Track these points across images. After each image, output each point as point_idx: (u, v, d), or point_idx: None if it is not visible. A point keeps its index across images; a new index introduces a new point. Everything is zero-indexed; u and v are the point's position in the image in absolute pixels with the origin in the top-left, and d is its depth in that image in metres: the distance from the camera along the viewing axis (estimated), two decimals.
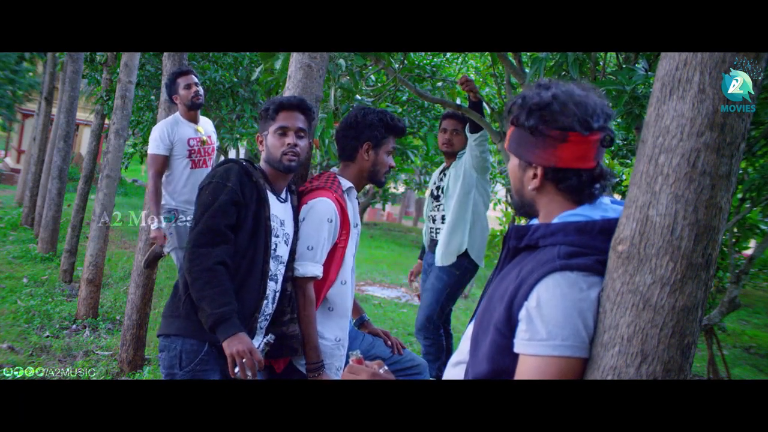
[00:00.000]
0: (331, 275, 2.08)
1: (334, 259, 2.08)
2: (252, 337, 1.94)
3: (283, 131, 1.96)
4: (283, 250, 2.02)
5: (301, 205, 2.09)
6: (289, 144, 1.95)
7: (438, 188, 3.60)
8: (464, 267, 3.42)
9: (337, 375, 2.08)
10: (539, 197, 1.14)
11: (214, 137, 3.82)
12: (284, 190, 2.07)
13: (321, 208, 2.03)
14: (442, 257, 3.40)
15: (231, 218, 1.83)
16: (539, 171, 1.11)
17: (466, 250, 3.38)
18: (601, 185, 1.11)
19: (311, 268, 2.02)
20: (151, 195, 3.51)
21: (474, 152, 3.33)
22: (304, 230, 2.05)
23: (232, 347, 1.73)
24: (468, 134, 3.34)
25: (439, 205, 3.59)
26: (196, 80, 3.59)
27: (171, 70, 3.68)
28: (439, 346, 3.51)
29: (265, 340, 1.93)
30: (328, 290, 2.08)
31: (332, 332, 2.09)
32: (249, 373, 1.73)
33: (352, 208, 2.15)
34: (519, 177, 1.16)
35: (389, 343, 2.34)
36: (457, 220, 3.38)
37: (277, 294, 2.04)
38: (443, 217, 3.54)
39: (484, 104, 3.69)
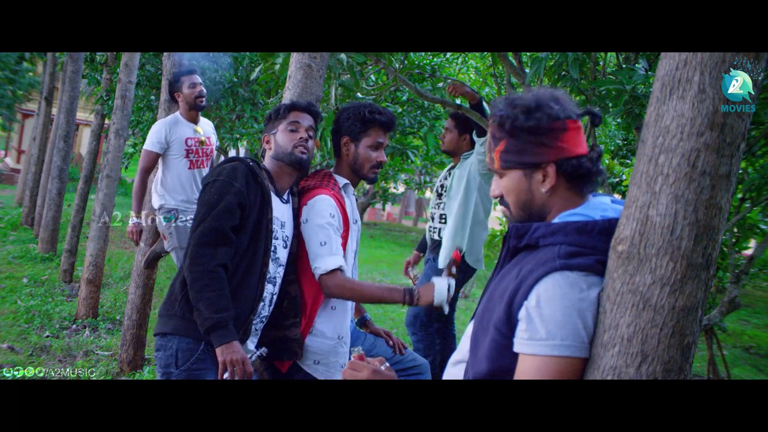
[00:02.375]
0: None
1: None
2: (246, 339, 1.94)
3: (295, 127, 2.01)
4: (282, 253, 2.02)
5: (301, 206, 2.09)
6: (301, 138, 2.00)
7: (442, 186, 3.63)
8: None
9: (339, 373, 2.09)
10: (552, 198, 1.13)
11: (214, 138, 3.82)
12: (287, 192, 2.08)
13: (322, 205, 2.03)
14: (444, 259, 3.42)
15: (235, 220, 1.82)
16: (551, 168, 1.10)
17: (464, 253, 3.41)
18: (598, 169, 1.13)
19: (331, 260, 1.98)
20: (136, 190, 3.57)
21: (480, 156, 3.34)
22: (310, 230, 2.02)
23: (226, 355, 1.75)
24: (475, 138, 3.36)
25: (440, 203, 3.62)
26: (200, 80, 3.60)
27: (175, 69, 3.68)
28: (429, 343, 3.53)
29: (258, 353, 1.93)
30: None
31: (334, 330, 2.09)
32: (241, 374, 1.76)
33: (350, 204, 2.16)
34: (526, 188, 1.13)
35: (391, 343, 2.34)
36: (458, 222, 3.40)
37: (275, 297, 2.03)
38: (441, 216, 3.58)
39: (485, 104, 3.69)
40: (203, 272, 1.77)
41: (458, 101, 3.56)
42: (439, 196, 3.65)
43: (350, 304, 2.17)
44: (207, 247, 1.79)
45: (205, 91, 3.61)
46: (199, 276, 1.77)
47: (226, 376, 1.77)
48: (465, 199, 3.40)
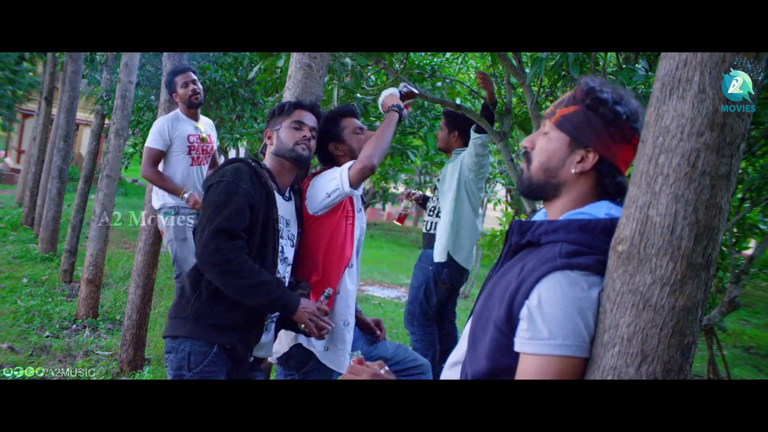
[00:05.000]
0: (347, 252, 2.09)
1: (347, 236, 2.10)
2: (259, 338, 1.95)
3: (298, 125, 2.03)
4: (289, 252, 2.03)
5: (303, 199, 2.11)
6: (304, 136, 2.03)
7: (438, 180, 3.71)
8: (438, 262, 3.47)
9: (348, 359, 2.10)
10: (574, 183, 1.13)
11: (214, 137, 3.83)
12: (288, 189, 2.08)
13: (323, 175, 2.11)
14: (437, 253, 3.50)
15: (246, 221, 1.79)
16: (592, 157, 1.10)
17: (449, 252, 3.45)
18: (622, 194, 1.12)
19: (342, 168, 2.06)
20: (157, 179, 3.50)
21: (470, 151, 3.37)
22: (319, 186, 2.08)
23: (303, 317, 1.83)
24: (472, 133, 3.38)
25: (434, 196, 3.71)
26: (194, 78, 3.59)
27: (170, 69, 3.70)
28: (427, 342, 3.57)
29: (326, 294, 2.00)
30: (343, 272, 2.10)
31: (340, 315, 2.11)
32: (326, 327, 1.89)
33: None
34: (560, 156, 1.13)
35: (378, 333, 2.35)
36: (451, 216, 3.47)
37: None
38: (433, 209, 3.65)
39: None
40: (234, 270, 1.73)
41: (458, 101, 3.57)
42: (434, 189, 3.75)
43: (353, 290, 2.17)
44: (224, 243, 1.74)
45: (200, 87, 3.61)
46: (233, 275, 1.73)
47: (314, 339, 1.92)
48: (457, 193, 3.45)
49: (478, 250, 7.49)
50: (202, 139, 3.66)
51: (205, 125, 3.77)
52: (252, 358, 1.99)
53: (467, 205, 3.47)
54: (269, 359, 2.19)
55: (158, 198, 3.62)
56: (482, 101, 3.38)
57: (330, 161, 2.24)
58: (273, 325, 2.03)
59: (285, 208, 2.01)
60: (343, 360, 2.08)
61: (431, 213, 3.66)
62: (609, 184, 1.11)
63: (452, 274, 3.52)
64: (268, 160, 2.06)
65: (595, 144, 1.10)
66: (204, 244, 1.74)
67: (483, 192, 3.64)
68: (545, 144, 1.15)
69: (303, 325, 1.85)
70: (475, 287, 7.90)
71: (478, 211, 3.61)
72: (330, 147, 2.21)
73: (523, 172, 1.19)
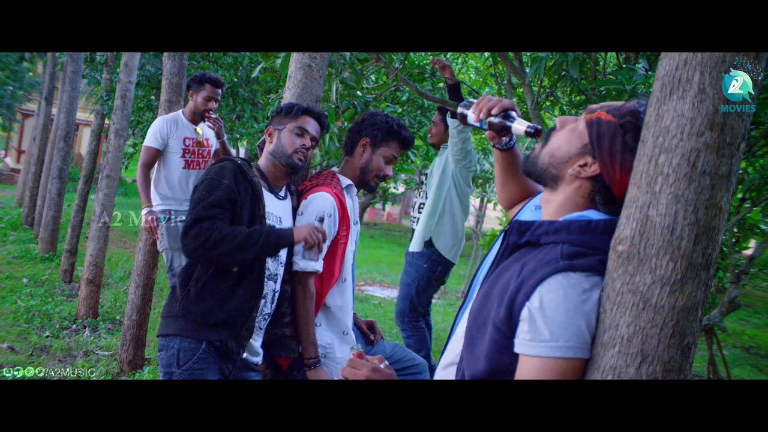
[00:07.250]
0: (335, 272, 2.08)
1: (336, 256, 2.08)
2: (249, 336, 1.95)
3: (301, 132, 2.03)
4: (282, 250, 2.02)
5: (300, 201, 2.10)
6: (303, 145, 2.03)
7: (425, 175, 3.73)
8: (431, 259, 3.48)
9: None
10: (570, 183, 1.11)
11: (213, 140, 3.81)
12: (283, 189, 2.08)
13: (320, 202, 2.04)
14: (413, 243, 3.53)
15: (225, 213, 1.83)
16: (593, 169, 1.08)
17: (431, 239, 3.45)
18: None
19: (311, 263, 2.02)
20: (140, 183, 3.54)
21: (454, 138, 3.36)
22: (302, 224, 2.04)
23: (302, 233, 1.85)
24: (449, 120, 3.38)
25: (421, 192, 3.74)
26: (219, 97, 3.62)
27: (201, 73, 3.68)
28: (419, 338, 3.58)
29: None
30: (331, 288, 2.09)
31: (337, 327, 2.10)
32: (321, 241, 1.89)
33: (352, 204, 2.16)
34: (570, 152, 1.11)
35: (372, 336, 2.35)
36: (430, 209, 3.47)
37: (276, 294, 2.04)
38: (420, 205, 3.66)
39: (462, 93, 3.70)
40: (216, 240, 1.77)
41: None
42: (421, 184, 3.78)
43: (350, 303, 2.18)
44: (204, 221, 1.79)
45: (215, 107, 3.63)
46: (218, 245, 1.77)
47: (308, 253, 1.92)
48: (438, 187, 3.46)
49: (478, 250, 7.48)
50: (199, 143, 3.66)
51: (205, 128, 3.76)
52: (244, 355, 1.99)
53: (455, 198, 3.49)
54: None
55: (153, 199, 3.62)
56: (446, 85, 3.38)
57: (349, 148, 2.21)
58: (264, 324, 2.04)
59: (277, 206, 2.02)
60: (340, 368, 2.08)
61: (420, 210, 3.68)
62: (599, 202, 1.09)
63: (444, 270, 3.55)
64: (262, 158, 2.07)
65: (603, 158, 1.08)
66: (184, 235, 1.81)
67: (471, 188, 3.65)
68: (567, 133, 1.14)
69: (304, 242, 1.86)
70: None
71: (468, 207, 3.60)
72: (363, 141, 2.17)
73: (535, 150, 1.17)
